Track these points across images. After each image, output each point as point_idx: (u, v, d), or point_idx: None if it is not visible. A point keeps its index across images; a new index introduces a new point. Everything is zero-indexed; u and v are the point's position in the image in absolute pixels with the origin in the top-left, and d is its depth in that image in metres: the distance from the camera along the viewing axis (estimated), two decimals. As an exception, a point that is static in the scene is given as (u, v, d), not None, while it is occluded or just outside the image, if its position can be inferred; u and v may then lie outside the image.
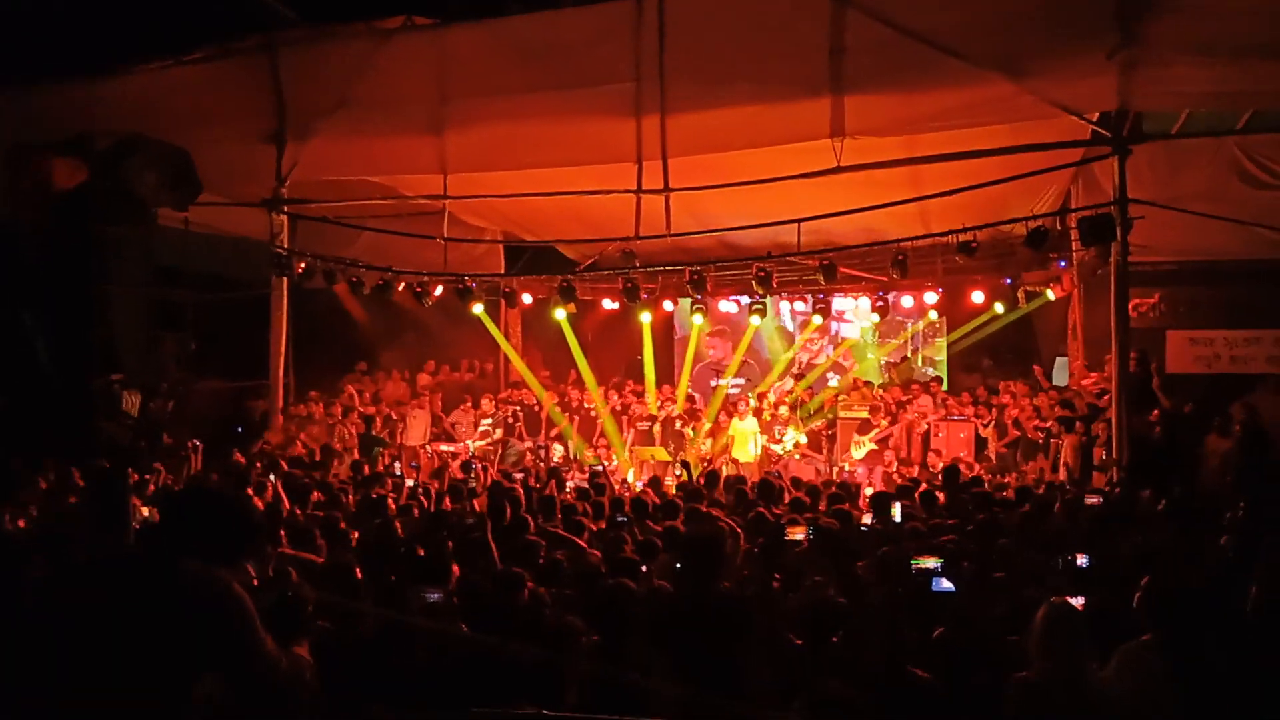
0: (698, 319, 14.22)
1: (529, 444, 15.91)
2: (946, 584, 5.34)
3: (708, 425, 15.59)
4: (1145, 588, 4.19)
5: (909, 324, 17.40)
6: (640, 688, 3.63)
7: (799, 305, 17.24)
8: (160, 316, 12.27)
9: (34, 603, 2.62)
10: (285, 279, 13.17)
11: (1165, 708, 3.86)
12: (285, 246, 13.24)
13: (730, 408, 15.56)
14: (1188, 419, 11.47)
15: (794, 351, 17.69)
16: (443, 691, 4.00)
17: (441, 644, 4.28)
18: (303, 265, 13.16)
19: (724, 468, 13.52)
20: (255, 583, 4.71)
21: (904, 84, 10.32)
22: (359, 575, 5.27)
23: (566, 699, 3.79)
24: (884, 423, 14.61)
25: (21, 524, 7.33)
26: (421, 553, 5.79)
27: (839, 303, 16.88)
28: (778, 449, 14.73)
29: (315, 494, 8.71)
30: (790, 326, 18.32)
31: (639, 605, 4.24)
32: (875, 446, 14.49)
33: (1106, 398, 11.71)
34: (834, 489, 9.78)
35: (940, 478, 10.92)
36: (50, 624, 2.51)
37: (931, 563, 5.65)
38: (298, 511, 7.94)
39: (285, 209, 13.28)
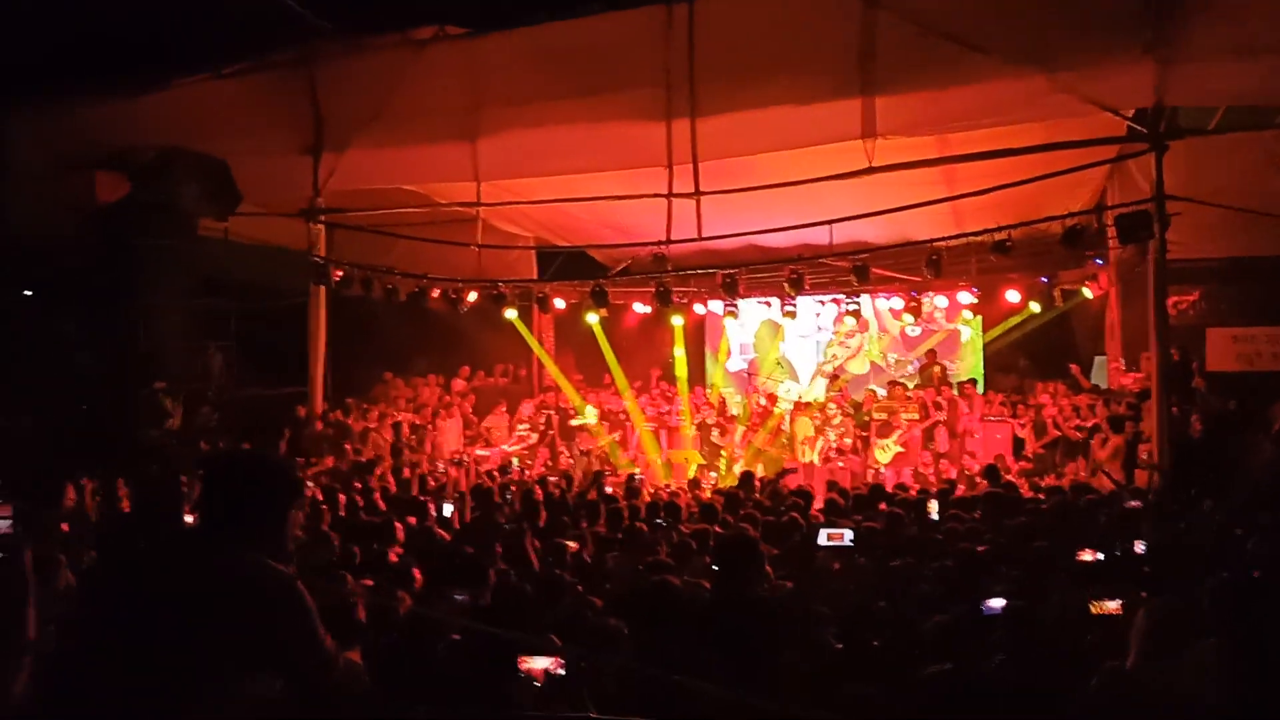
0: (731, 321, 14.19)
1: (562, 450, 15.99)
2: (996, 604, 5.16)
3: (740, 429, 15.59)
4: (1211, 588, 4.14)
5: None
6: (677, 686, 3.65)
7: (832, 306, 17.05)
8: (204, 325, 12.48)
9: (91, 592, 2.62)
10: (323, 287, 13.37)
11: (1236, 709, 3.82)
12: (323, 255, 13.44)
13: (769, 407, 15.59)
14: (1230, 416, 11.30)
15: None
16: (470, 694, 4.01)
17: (468, 645, 4.28)
18: (340, 273, 13.34)
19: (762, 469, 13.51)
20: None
21: (935, 83, 10.25)
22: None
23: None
24: (908, 418, 14.49)
25: (65, 528, 7.48)
26: (470, 551, 5.84)
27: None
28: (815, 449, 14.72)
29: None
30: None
31: (682, 603, 4.22)
32: (901, 449, 14.41)
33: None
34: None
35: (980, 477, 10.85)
36: (108, 611, 2.53)
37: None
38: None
39: (322, 218, 13.47)
